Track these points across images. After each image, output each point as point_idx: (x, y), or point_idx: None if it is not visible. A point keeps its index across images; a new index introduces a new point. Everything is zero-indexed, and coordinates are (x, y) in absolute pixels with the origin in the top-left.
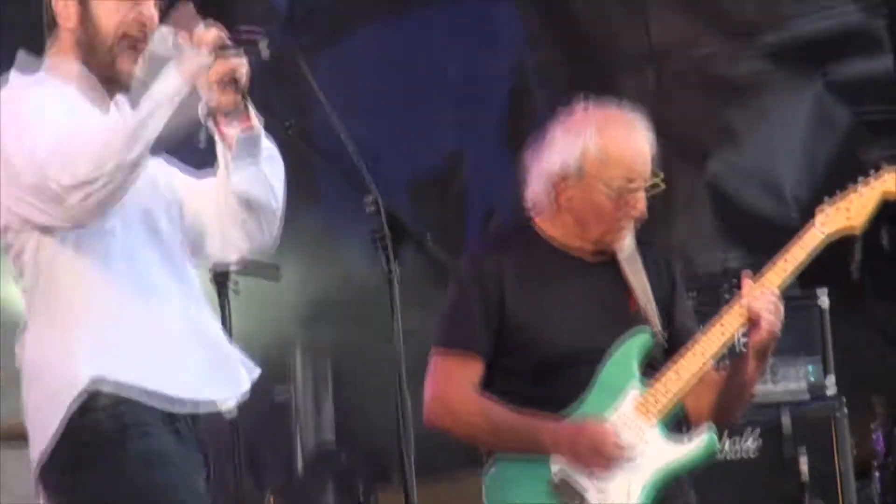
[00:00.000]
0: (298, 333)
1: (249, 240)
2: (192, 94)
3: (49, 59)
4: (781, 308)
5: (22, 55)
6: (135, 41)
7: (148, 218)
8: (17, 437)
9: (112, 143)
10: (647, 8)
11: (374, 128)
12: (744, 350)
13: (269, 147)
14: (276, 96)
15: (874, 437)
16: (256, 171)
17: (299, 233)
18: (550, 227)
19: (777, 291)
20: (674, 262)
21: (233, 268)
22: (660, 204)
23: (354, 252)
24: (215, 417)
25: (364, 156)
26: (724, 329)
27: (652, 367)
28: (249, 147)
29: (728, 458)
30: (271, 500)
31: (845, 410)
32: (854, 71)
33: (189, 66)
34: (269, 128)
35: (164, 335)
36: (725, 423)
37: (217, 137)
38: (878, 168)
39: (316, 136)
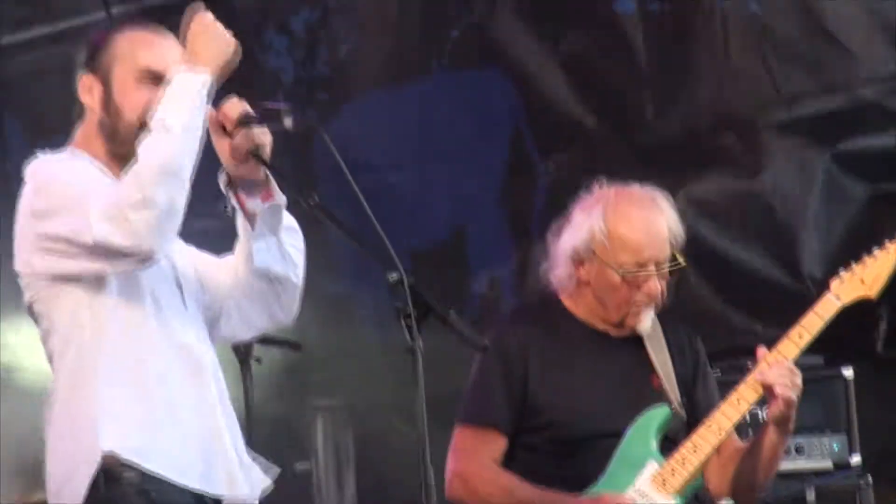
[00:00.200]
0: (320, 404)
1: (269, 316)
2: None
3: (76, 138)
4: (798, 379)
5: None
6: None
7: (174, 296)
8: None
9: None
10: (651, 85)
11: (373, 197)
12: (765, 420)
13: (289, 219)
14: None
15: None
16: (276, 243)
17: (318, 303)
18: (573, 305)
19: (790, 362)
20: (697, 340)
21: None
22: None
23: (375, 322)
24: None
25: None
26: (740, 402)
27: (673, 441)
28: (271, 219)
29: None
30: None
31: (870, 480)
32: (867, 145)
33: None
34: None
35: (187, 425)
36: (749, 497)
37: (238, 208)
38: (893, 237)
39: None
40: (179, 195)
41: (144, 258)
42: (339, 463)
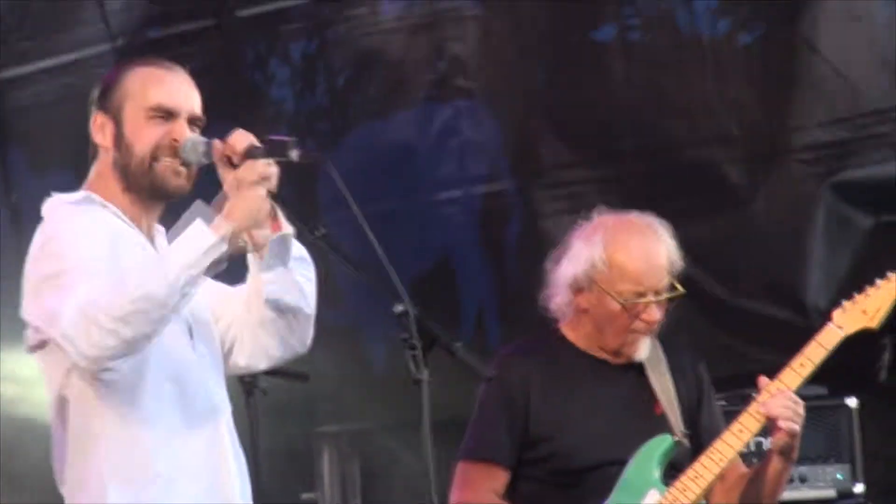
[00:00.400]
0: (326, 434)
1: (282, 346)
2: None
3: (90, 179)
4: (801, 408)
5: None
6: (169, 160)
7: (184, 341)
8: None
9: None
10: (631, 114)
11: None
12: (769, 449)
13: (299, 249)
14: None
15: None
16: (286, 273)
17: (322, 332)
18: (573, 334)
19: (792, 393)
20: (701, 363)
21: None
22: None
23: (380, 351)
24: None
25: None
26: (743, 431)
27: (677, 468)
28: (279, 249)
29: None
30: None
31: None
32: (868, 175)
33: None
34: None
35: (197, 480)
36: None
37: (246, 240)
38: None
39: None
40: (154, 327)
41: (98, 368)
42: (345, 493)
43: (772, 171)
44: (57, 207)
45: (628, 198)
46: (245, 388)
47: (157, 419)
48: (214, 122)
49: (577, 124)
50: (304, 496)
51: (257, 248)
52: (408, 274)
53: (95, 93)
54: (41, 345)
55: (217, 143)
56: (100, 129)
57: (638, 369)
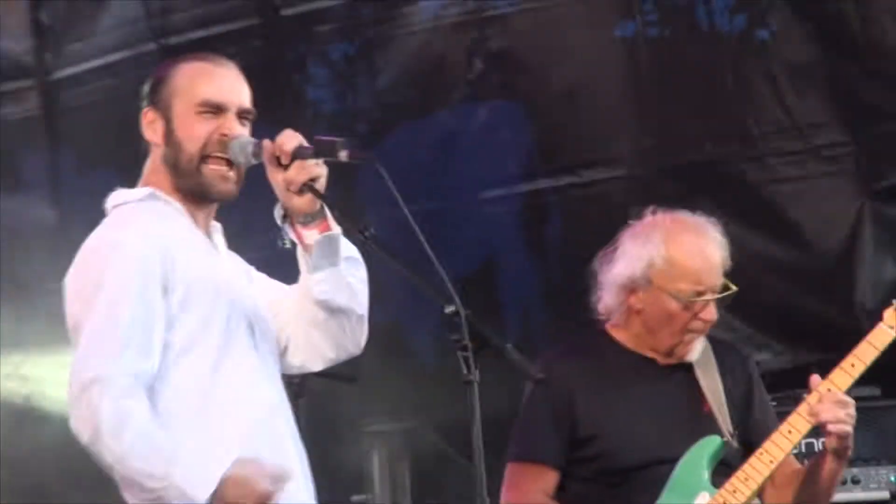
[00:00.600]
0: (376, 436)
1: (336, 347)
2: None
3: (145, 176)
4: (852, 409)
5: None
6: (217, 157)
7: (246, 340)
8: None
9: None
10: (666, 117)
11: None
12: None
13: (350, 249)
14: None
15: None
16: (336, 273)
17: (372, 332)
18: (622, 334)
19: (842, 394)
20: (750, 360)
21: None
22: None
23: (429, 351)
24: None
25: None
26: (792, 432)
27: (728, 466)
28: (328, 249)
29: None
30: None
31: None
32: None
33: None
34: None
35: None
36: None
37: (296, 241)
38: None
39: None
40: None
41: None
42: (395, 495)
43: (801, 168)
44: (121, 205)
45: (653, 197)
46: (292, 391)
47: (224, 423)
48: (254, 123)
49: (605, 124)
50: (355, 498)
51: (306, 248)
52: (451, 275)
53: (146, 88)
54: None
55: (266, 143)
56: (150, 125)
57: (686, 369)
